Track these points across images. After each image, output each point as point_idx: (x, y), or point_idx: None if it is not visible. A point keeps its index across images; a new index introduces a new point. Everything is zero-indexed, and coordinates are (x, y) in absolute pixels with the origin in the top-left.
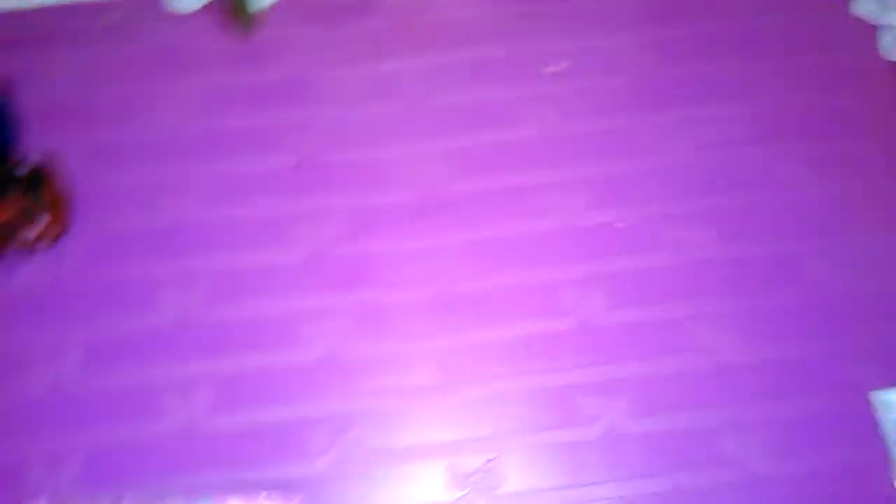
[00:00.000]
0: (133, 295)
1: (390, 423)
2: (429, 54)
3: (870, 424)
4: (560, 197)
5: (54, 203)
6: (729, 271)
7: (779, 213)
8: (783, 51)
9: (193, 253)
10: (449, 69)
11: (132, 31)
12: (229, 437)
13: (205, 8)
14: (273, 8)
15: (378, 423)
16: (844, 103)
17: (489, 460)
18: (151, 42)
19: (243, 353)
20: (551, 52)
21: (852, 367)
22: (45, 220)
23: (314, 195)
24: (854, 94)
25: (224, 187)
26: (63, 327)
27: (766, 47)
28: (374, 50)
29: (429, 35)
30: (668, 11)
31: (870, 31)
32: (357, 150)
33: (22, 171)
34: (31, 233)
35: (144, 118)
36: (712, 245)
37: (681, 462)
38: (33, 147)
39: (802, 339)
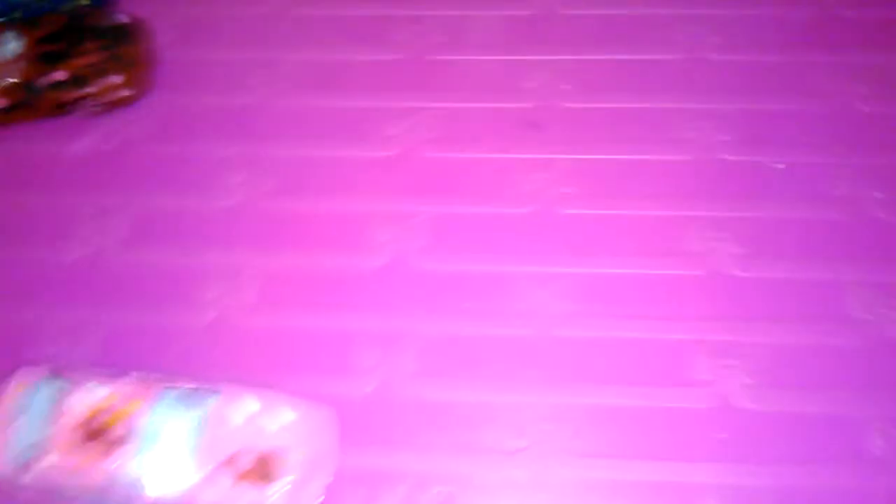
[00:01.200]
0: (195, 176)
1: (452, 352)
2: None
3: None
4: (695, 127)
5: (133, 64)
6: None
7: None
8: None
9: (268, 140)
10: None
11: None
12: (266, 339)
13: None
14: None
15: (438, 352)
16: None
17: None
18: None
19: (304, 250)
20: None
21: None
22: (119, 79)
23: (412, 95)
24: None
25: (315, 77)
26: (114, 199)
27: None
28: None
29: None
30: None
31: None
32: (469, 51)
33: (107, 24)
34: (103, 89)
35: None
36: (884, 208)
37: (809, 453)
38: (126, 10)
39: None
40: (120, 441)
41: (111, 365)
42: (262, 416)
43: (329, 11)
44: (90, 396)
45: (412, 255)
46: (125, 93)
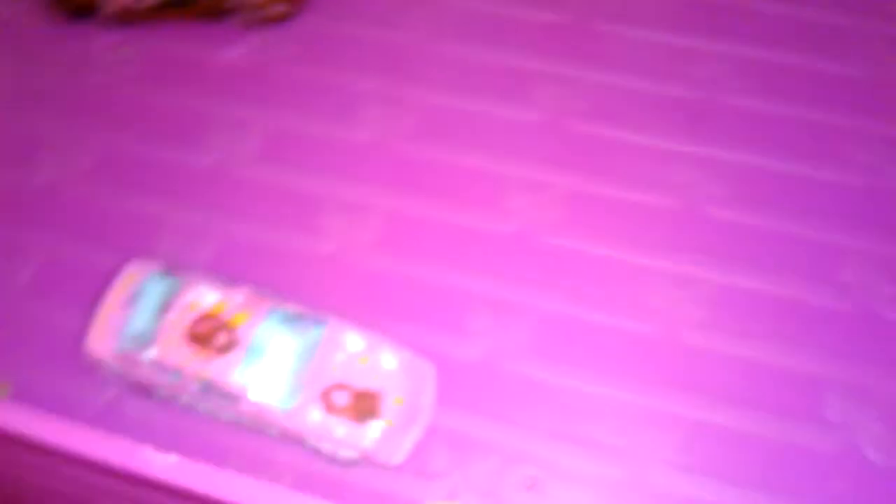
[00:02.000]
0: (334, 103)
1: (567, 334)
2: None
3: None
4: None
5: None
6: None
7: None
8: None
9: (413, 82)
10: None
11: None
12: (380, 280)
13: None
14: None
15: (553, 332)
16: None
17: None
18: None
19: (433, 200)
20: None
21: None
22: None
23: (571, 62)
24: None
25: (476, 27)
26: (251, 112)
27: None
28: None
29: None
30: None
31: None
32: (639, 27)
33: None
34: (260, 2)
35: None
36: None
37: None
38: None
39: None
40: (223, 348)
41: (223, 273)
42: (365, 356)
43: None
44: (200, 299)
45: (543, 227)
46: (281, 9)
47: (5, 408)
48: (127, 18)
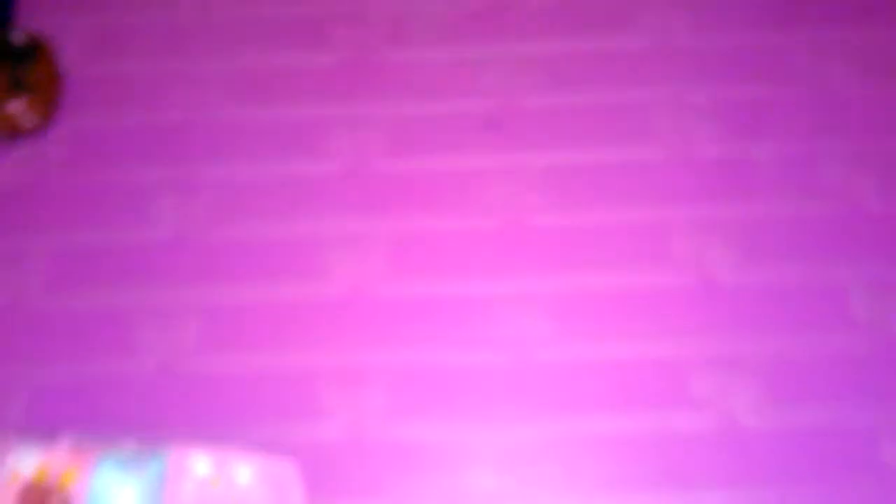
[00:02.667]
0: (119, 206)
1: (421, 385)
2: None
3: None
4: (673, 120)
5: (42, 83)
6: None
7: None
8: None
9: (198, 160)
10: None
11: None
12: (213, 385)
13: None
14: None
15: (406, 387)
16: None
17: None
18: None
19: (248, 283)
20: None
21: None
22: (21, 105)
23: (358, 100)
24: None
25: (247, 84)
26: (29, 239)
27: None
28: None
29: None
30: None
31: None
32: (416, 49)
33: (12, 42)
34: (5, 115)
35: (159, 5)
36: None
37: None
38: (31, 25)
39: None
40: None
41: (41, 425)
42: (216, 477)
43: (254, 10)
44: (23, 463)
45: (371, 281)
46: (30, 120)
47: None
48: None
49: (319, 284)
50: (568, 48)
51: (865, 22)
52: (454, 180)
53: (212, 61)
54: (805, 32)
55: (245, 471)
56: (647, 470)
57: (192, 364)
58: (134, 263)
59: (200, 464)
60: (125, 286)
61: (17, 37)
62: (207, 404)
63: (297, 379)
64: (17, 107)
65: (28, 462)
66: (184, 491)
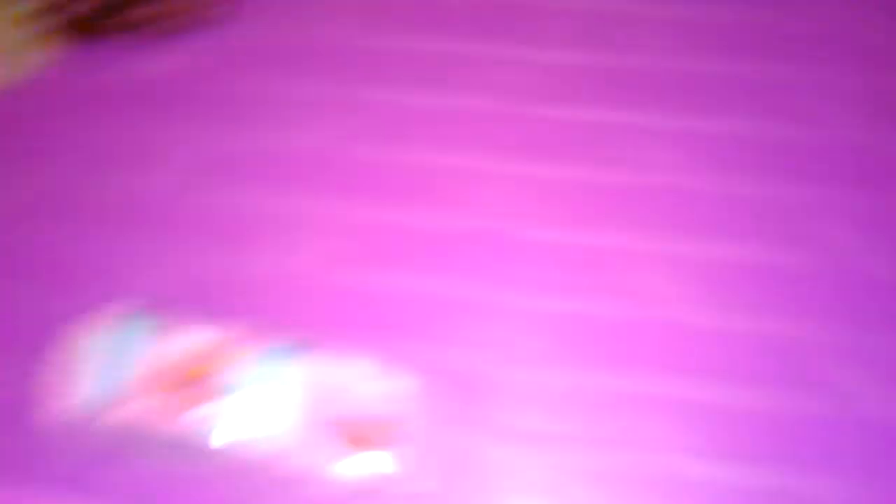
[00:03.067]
0: (279, 113)
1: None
2: None
3: None
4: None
5: None
6: None
7: None
8: None
9: (365, 80)
10: None
11: None
12: (358, 296)
13: None
14: None
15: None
16: None
17: None
18: None
19: (398, 204)
20: None
21: None
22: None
23: (513, 43)
24: None
25: (416, 13)
26: (196, 130)
27: None
28: None
29: None
30: None
31: None
32: None
33: None
34: (182, 6)
35: None
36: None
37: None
38: None
39: None
40: (217, 392)
41: (200, 305)
42: (365, 382)
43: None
44: (186, 341)
45: (514, 226)
46: (204, 12)
47: None
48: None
49: (464, 215)
50: None
51: None
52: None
53: None
54: None
55: (392, 381)
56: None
57: (336, 273)
58: (286, 170)
59: (349, 367)
60: (282, 191)
61: None
62: (348, 314)
63: (438, 304)
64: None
65: (187, 342)
66: (334, 390)
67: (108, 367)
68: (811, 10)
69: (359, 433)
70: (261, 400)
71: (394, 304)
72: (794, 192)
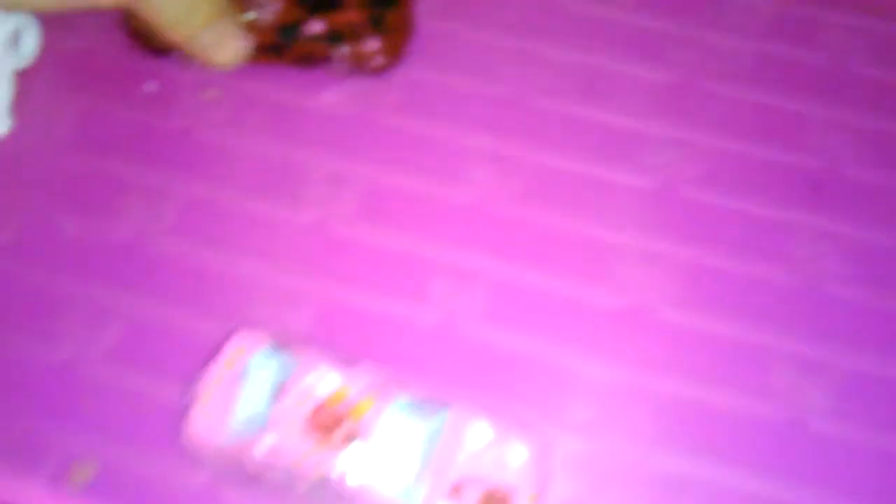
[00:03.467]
0: (435, 160)
1: None
2: None
3: None
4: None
5: (392, 30)
6: None
7: None
8: None
9: (515, 139)
10: None
11: None
12: (495, 354)
13: None
14: None
15: None
16: None
17: None
18: None
19: (538, 267)
20: None
21: None
22: (376, 44)
23: (674, 123)
24: None
25: (574, 82)
26: (349, 165)
27: None
28: None
29: None
30: None
31: None
32: (744, 86)
33: None
34: (357, 52)
35: None
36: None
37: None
38: None
39: None
40: (346, 440)
41: (334, 346)
42: (494, 448)
43: (604, 12)
44: (318, 384)
45: (656, 303)
46: (379, 60)
47: (89, 491)
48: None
49: (605, 293)
50: None
51: None
52: (756, 225)
53: (547, 47)
54: None
55: (521, 450)
56: None
57: (473, 328)
58: (435, 218)
59: (481, 429)
60: (424, 238)
61: None
62: (480, 371)
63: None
64: (372, 45)
65: (328, 383)
66: (462, 451)
67: (252, 399)
68: None
69: (482, 498)
70: (387, 452)
71: (529, 368)
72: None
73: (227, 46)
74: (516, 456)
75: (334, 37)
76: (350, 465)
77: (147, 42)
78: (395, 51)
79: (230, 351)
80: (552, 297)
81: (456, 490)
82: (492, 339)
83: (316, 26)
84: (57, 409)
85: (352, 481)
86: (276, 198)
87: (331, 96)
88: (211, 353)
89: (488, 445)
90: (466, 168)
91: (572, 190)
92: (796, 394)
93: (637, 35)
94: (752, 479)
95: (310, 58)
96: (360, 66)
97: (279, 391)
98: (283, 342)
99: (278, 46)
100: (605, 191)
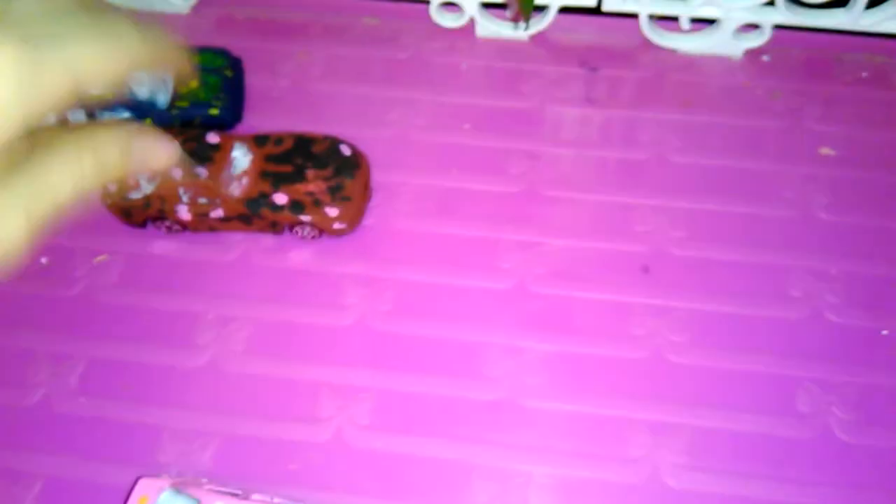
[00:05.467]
0: (313, 292)
1: None
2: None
3: None
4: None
5: (350, 199)
6: None
7: None
8: None
9: (385, 263)
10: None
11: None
12: (382, 460)
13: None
14: None
15: None
16: None
17: None
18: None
19: (414, 376)
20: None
21: None
22: (335, 212)
23: (527, 229)
24: None
25: (433, 202)
26: (226, 307)
27: None
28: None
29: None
30: None
31: None
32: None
33: (331, 154)
34: (318, 220)
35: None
36: None
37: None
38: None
39: None
40: None
41: (227, 475)
42: None
43: (449, 139)
44: None
45: (522, 394)
46: (338, 226)
47: None
48: (190, 227)
49: (478, 390)
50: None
51: None
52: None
53: (406, 176)
54: None
55: None
56: None
57: (361, 440)
58: (320, 344)
59: None
60: (308, 362)
61: (342, 150)
62: (373, 478)
63: (455, 469)
64: (331, 213)
65: None
66: None
67: None
68: None
69: None
70: None
71: (421, 468)
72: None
73: (154, 152)
74: None
75: (296, 207)
76: None
77: (127, 217)
78: (353, 217)
79: (136, 499)
80: (431, 398)
81: None
82: (380, 446)
83: (279, 198)
84: None
85: None
86: (170, 346)
87: (294, 258)
88: (122, 501)
89: None
90: (344, 295)
91: (435, 298)
92: (651, 456)
93: (480, 154)
94: None
95: (277, 225)
96: (322, 230)
97: None
98: (183, 484)
99: (247, 217)
100: (463, 296)
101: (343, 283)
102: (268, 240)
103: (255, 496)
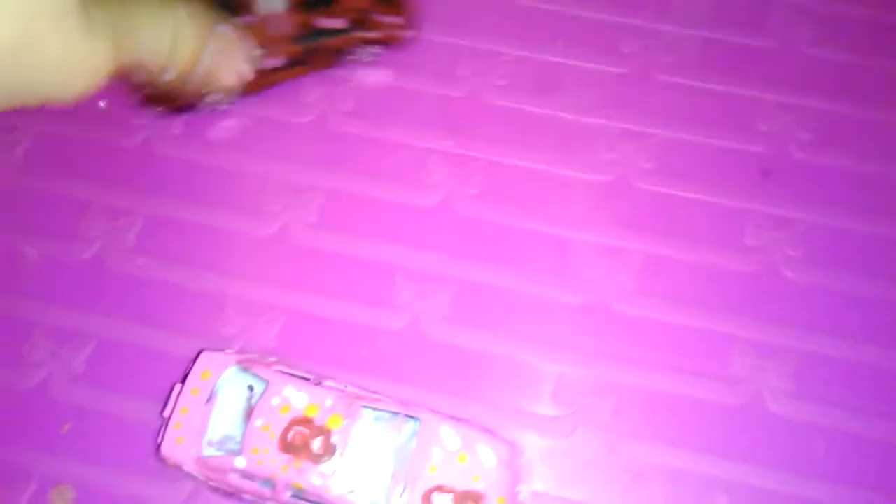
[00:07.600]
0: (398, 163)
1: None
2: None
3: None
4: None
5: (401, 4)
6: None
7: None
8: None
9: (471, 136)
10: None
11: None
12: (456, 352)
13: None
14: None
15: None
16: None
17: None
18: None
19: (505, 269)
20: None
21: None
22: (394, 17)
23: (633, 116)
24: None
25: (533, 78)
26: (313, 177)
27: None
28: None
29: None
30: None
31: None
32: (697, 76)
33: None
34: (378, 32)
35: None
36: None
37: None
38: None
39: None
40: (319, 455)
41: (290, 356)
42: (463, 453)
43: (560, 7)
44: (289, 402)
45: (613, 297)
46: (403, 32)
47: None
48: (249, 89)
49: (566, 292)
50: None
51: None
52: (713, 215)
53: (506, 46)
54: None
55: (489, 454)
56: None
57: (439, 331)
58: (397, 223)
59: (450, 436)
60: (389, 242)
61: None
62: (444, 369)
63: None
64: (391, 21)
65: (298, 401)
66: (432, 459)
67: (224, 418)
68: None
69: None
70: (360, 465)
71: (495, 369)
72: None
73: (228, 68)
74: (485, 460)
75: (352, 26)
76: (325, 479)
77: (166, 102)
78: (412, 19)
79: (198, 372)
80: (514, 296)
81: (428, 497)
82: (457, 340)
83: (329, 23)
84: (33, 435)
85: (327, 495)
86: (238, 213)
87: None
88: (180, 371)
89: (457, 451)
90: (425, 170)
91: (529, 188)
92: (755, 378)
93: (591, 28)
94: (713, 465)
95: (339, 52)
96: (387, 42)
97: (251, 411)
98: (249, 361)
99: (303, 57)
100: (561, 187)
101: (429, 159)
102: (348, 102)
103: (328, 383)
